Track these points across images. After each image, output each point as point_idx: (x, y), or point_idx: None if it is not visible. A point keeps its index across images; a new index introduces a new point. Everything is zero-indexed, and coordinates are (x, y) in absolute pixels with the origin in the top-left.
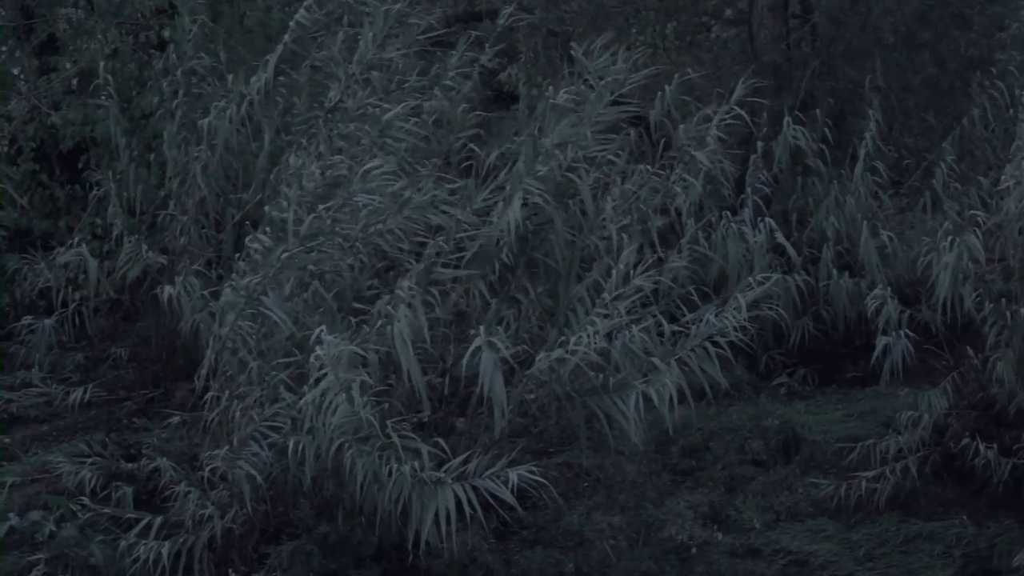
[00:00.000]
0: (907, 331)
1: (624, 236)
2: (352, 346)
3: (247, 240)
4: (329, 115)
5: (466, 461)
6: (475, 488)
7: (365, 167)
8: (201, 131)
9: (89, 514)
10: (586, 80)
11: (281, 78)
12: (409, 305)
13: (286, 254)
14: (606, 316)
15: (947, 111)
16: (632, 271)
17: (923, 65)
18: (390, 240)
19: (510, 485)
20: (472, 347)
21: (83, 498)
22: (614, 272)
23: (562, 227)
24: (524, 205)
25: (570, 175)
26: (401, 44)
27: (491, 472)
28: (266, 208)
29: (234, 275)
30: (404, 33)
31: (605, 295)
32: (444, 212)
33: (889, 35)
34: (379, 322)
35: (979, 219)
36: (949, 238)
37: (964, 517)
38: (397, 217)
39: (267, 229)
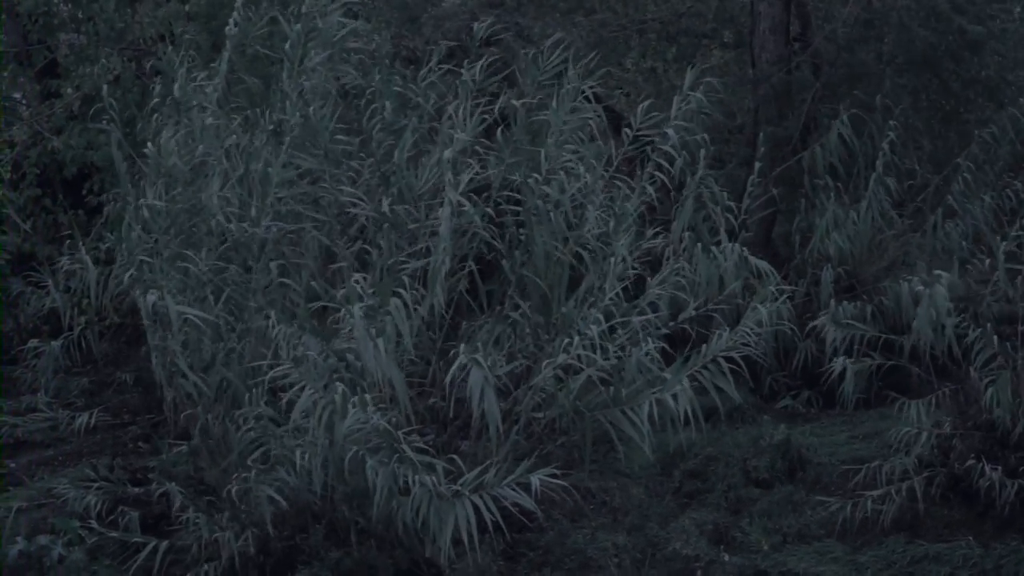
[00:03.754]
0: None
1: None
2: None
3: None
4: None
5: (481, 473)
6: (494, 498)
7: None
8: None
9: (96, 538)
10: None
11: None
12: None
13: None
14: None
15: (951, 133)
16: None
17: (930, 88)
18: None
19: (533, 491)
20: (455, 365)
21: (91, 521)
22: (607, 287)
23: (545, 240)
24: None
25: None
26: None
27: (511, 480)
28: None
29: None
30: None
31: (606, 309)
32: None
33: (898, 58)
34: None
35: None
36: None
37: (970, 538)
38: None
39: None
